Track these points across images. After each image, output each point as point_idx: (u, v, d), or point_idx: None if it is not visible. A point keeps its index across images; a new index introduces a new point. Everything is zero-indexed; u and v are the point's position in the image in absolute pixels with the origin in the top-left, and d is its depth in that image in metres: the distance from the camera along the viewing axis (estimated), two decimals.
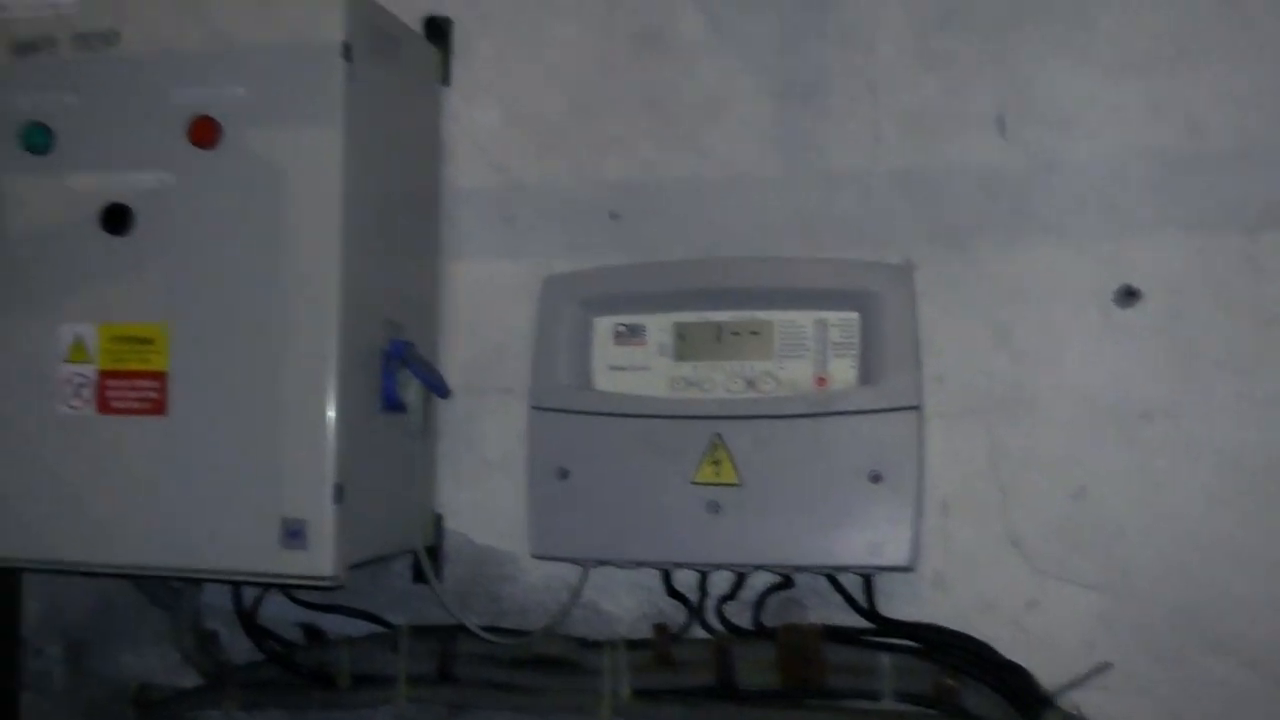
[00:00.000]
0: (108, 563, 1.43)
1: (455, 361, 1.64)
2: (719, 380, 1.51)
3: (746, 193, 1.57)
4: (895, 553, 1.42)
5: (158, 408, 1.40)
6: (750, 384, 1.50)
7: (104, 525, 1.41)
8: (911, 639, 1.48)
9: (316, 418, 1.35)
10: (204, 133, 1.39)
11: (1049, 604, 1.46)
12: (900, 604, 1.50)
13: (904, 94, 1.52)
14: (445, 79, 1.66)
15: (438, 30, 1.65)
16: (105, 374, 1.41)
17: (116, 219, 1.41)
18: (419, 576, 1.63)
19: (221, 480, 1.37)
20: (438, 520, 1.64)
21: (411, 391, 1.50)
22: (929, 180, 1.51)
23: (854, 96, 1.53)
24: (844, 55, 1.54)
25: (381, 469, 1.47)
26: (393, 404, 1.48)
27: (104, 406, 1.41)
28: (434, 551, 1.63)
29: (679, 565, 1.53)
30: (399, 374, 1.48)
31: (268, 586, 1.61)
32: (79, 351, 1.43)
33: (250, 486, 1.36)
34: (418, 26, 1.64)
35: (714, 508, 1.46)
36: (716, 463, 1.47)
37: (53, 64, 1.44)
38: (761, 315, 1.50)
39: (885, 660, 1.47)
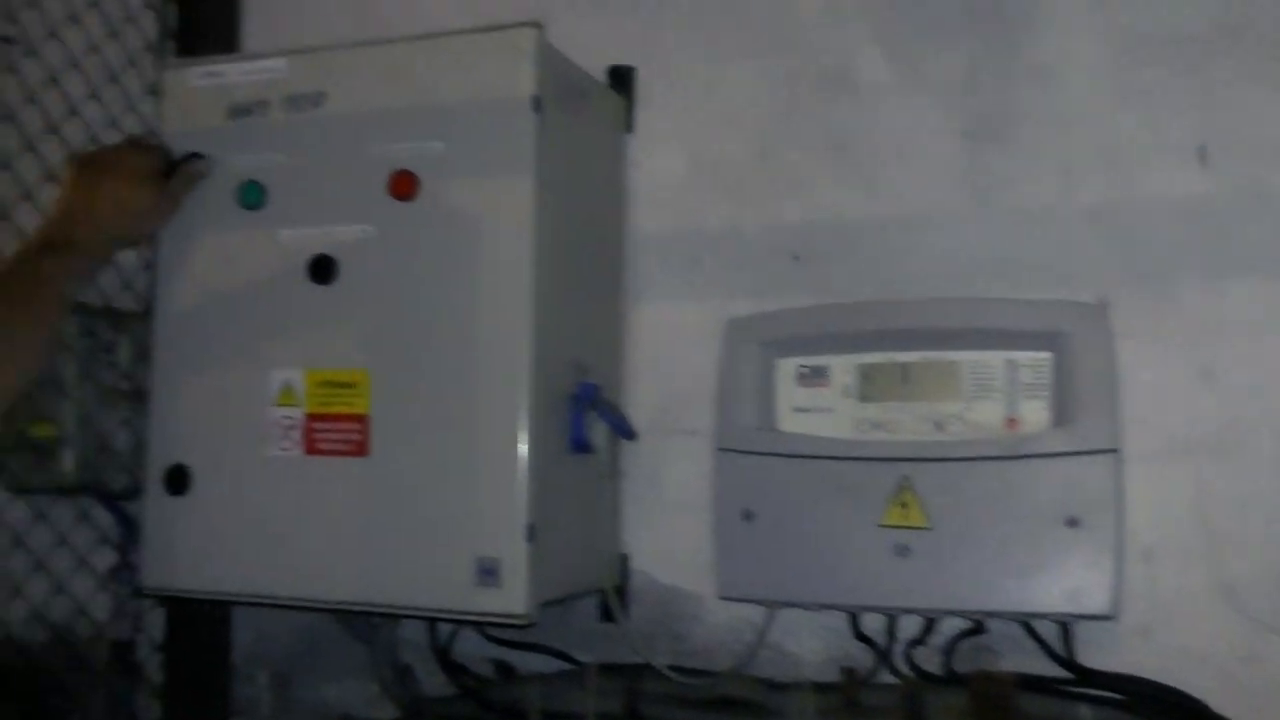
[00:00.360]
0: (313, 598, 1.47)
1: (640, 403, 1.66)
2: (905, 422, 1.49)
3: (932, 232, 1.55)
4: (1095, 600, 1.37)
5: (360, 449, 1.44)
6: (938, 426, 1.48)
7: (309, 562, 1.45)
8: (1114, 690, 1.42)
9: (509, 459, 1.38)
10: (403, 186, 1.44)
11: (1269, 658, 1.38)
12: (1101, 654, 1.44)
13: (1098, 128, 1.48)
14: (629, 126, 1.69)
15: (621, 79, 1.69)
16: (312, 417, 1.47)
17: (323, 269, 1.47)
18: (605, 615, 1.65)
19: (419, 520, 1.41)
20: (623, 560, 1.67)
21: (599, 433, 1.53)
22: (1125, 215, 1.47)
23: (1045, 132, 1.50)
24: (1034, 91, 1.51)
25: (571, 510, 1.50)
26: (581, 446, 1.50)
27: (310, 448, 1.47)
28: (620, 591, 1.64)
29: (866, 609, 1.51)
30: (587, 416, 1.51)
31: (461, 623, 1.66)
32: (288, 395, 1.48)
33: (446, 526, 1.39)
34: (602, 76, 1.68)
35: (902, 551, 1.44)
36: (904, 505, 1.45)
37: (265, 125, 1.51)
38: (949, 356, 1.48)
39: (1085, 712, 1.41)
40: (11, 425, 1.73)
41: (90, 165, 1.43)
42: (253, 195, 1.51)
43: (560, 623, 1.67)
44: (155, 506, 1.53)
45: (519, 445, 1.38)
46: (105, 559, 1.88)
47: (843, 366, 1.53)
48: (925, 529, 1.43)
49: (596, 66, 1.65)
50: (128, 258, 1.82)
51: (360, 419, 1.44)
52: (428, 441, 1.41)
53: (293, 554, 1.46)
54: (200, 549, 1.51)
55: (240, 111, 1.53)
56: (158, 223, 1.51)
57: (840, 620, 1.55)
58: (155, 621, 1.89)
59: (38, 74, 1.71)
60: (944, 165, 1.55)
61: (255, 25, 1.89)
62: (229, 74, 1.54)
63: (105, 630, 1.89)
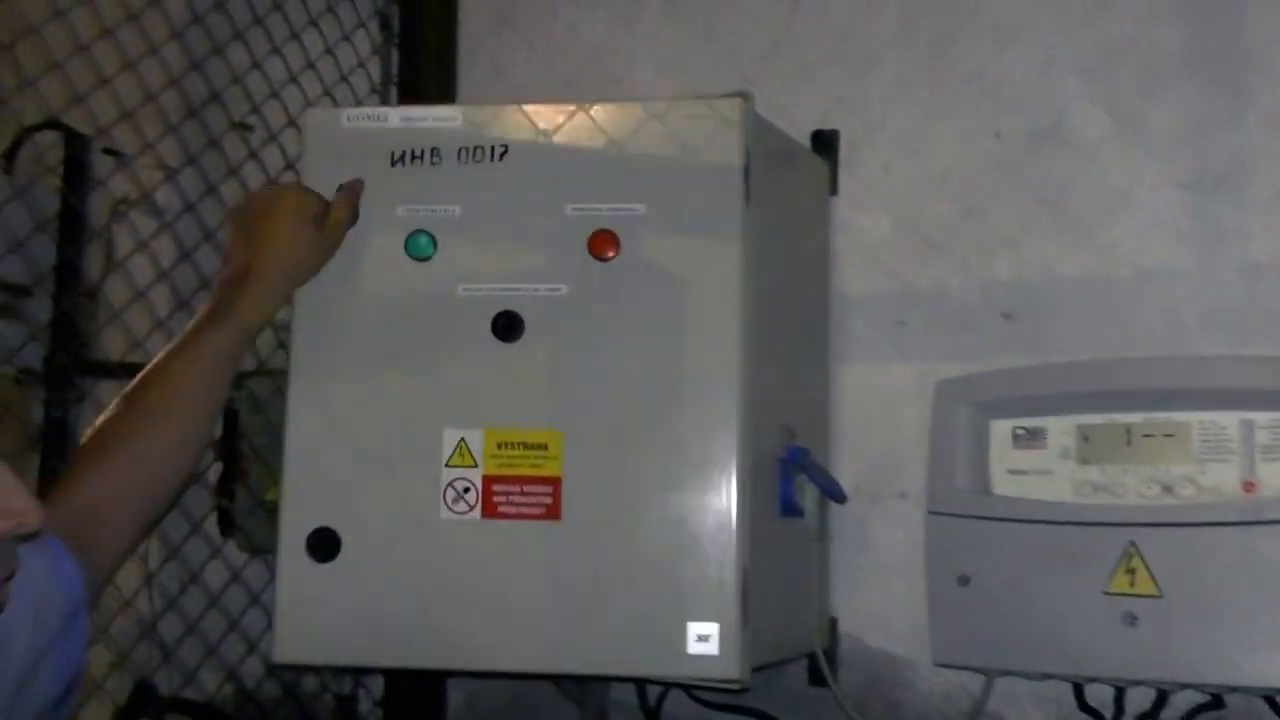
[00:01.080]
0: (517, 669, 1.44)
1: (847, 466, 1.65)
2: (1130, 485, 1.44)
3: (1154, 288, 1.50)
4: None
5: (552, 513, 1.36)
6: (1167, 489, 1.42)
7: (514, 630, 1.37)
8: None
9: (722, 524, 1.36)
10: (604, 246, 1.40)
11: None
12: None
13: None
14: (833, 189, 1.70)
15: (825, 143, 1.70)
16: (491, 479, 1.37)
17: (509, 326, 1.39)
18: (814, 680, 1.63)
19: (626, 585, 1.35)
20: (833, 624, 1.65)
21: (808, 497, 1.52)
22: None
23: (1277, 181, 1.44)
24: (1264, 138, 1.46)
25: (781, 574, 1.49)
26: (790, 509, 1.50)
27: (490, 511, 1.37)
28: (829, 655, 1.62)
29: (1092, 679, 1.45)
30: (796, 480, 1.51)
31: (670, 686, 1.66)
32: (463, 456, 1.39)
33: (656, 591, 1.35)
34: (806, 140, 1.69)
35: (1130, 619, 1.38)
36: (1131, 571, 1.39)
37: (436, 175, 1.41)
38: (1177, 417, 1.42)
39: None
40: (248, 489, 1.84)
41: (246, 224, 1.34)
42: (423, 245, 1.41)
43: (769, 686, 1.66)
44: (292, 573, 1.38)
45: (731, 510, 1.36)
46: None
47: (1061, 428, 1.49)
48: (1155, 597, 1.37)
49: (800, 130, 1.66)
50: None
51: (552, 481, 1.37)
52: (630, 505, 1.36)
53: (491, 622, 1.37)
54: (350, 617, 1.38)
55: (405, 158, 1.43)
56: (321, 263, 1.39)
57: (1063, 690, 1.50)
58: (376, 678, 1.96)
59: (277, 160, 1.83)
60: (1166, 218, 1.51)
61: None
62: (391, 119, 1.45)
63: (329, 685, 1.97)
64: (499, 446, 1.38)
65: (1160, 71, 1.53)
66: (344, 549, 1.38)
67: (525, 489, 1.37)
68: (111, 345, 1.89)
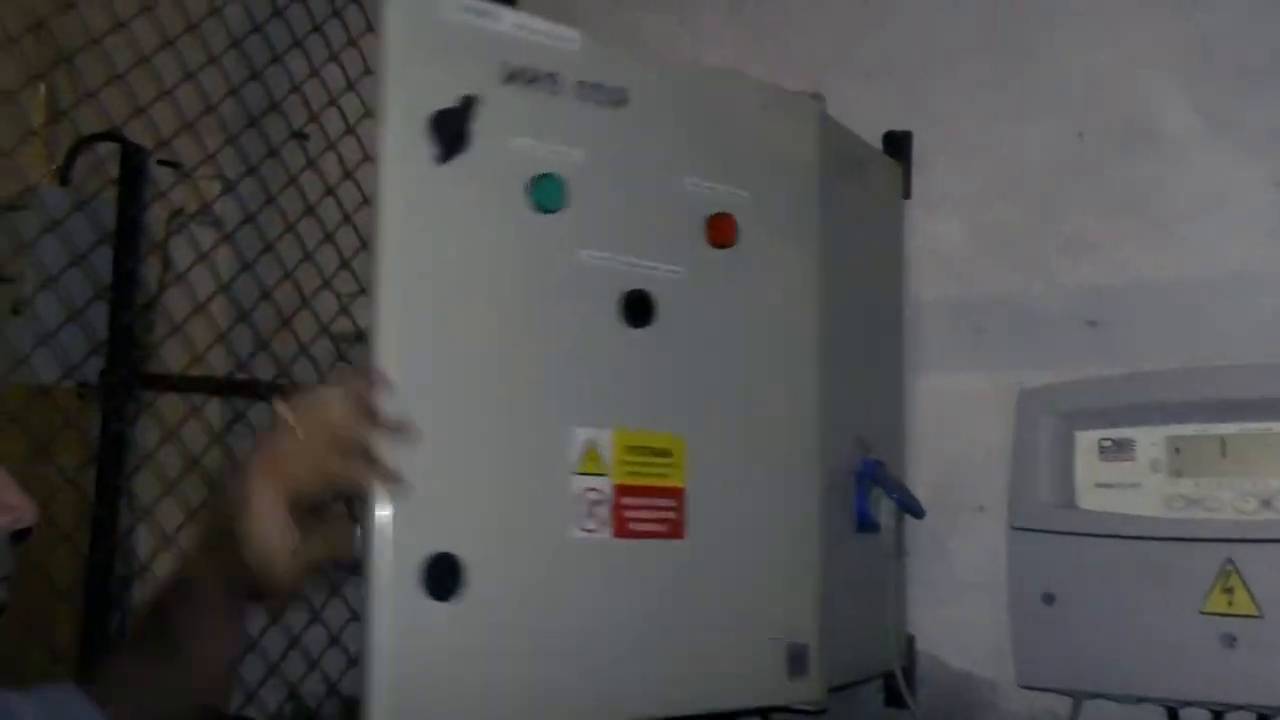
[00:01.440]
0: (642, 716, 1.18)
1: (923, 478, 1.60)
2: (1225, 499, 1.37)
3: (1248, 293, 1.44)
4: None
5: (675, 530, 1.18)
6: (1265, 503, 1.35)
7: (644, 671, 1.16)
8: None
9: (803, 541, 1.32)
10: (725, 232, 1.23)
11: None
12: None
13: None
14: (906, 193, 1.65)
15: (897, 145, 1.66)
16: (621, 489, 1.15)
17: (640, 309, 1.17)
18: (890, 700, 1.58)
19: (737, 609, 1.25)
20: (910, 642, 1.60)
21: (884, 512, 1.47)
22: None
23: None
24: None
25: (858, 591, 1.44)
26: (866, 524, 1.46)
27: (621, 529, 1.14)
28: (906, 675, 1.57)
29: (1188, 703, 1.39)
30: (872, 494, 1.46)
31: (740, 713, 1.61)
32: (593, 461, 1.14)
33: (759, 614, 1.27)
34: (877, 142, 1.65)
35: (1228, 641, 1.32)
36: (1229, 590, 1.33)
37: (557, 106, 1.13)
38: (1275, 427, 1.35)
39: None
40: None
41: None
42: (551, 194, 1.11)
43: (845, 707, 1.60)
44: (401, 614, 1.01)
45: (814, 525, 1.32)
46: None
47: (1150, 439, 1.42)
48: (1255, 617, 1.31)
49: (872, 132, 1.62)
50: None
51: (676, 493, 1.19)
52: (742, 520, 1.24)
53: (592, 664, 1.14)
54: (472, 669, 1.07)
55: (524, 76, 1.12)
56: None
57: (1154, 714, 1.44)
58: None
59: (335, 169, 1.81)
60: (1260, 219, 1.44)
61: None
62: (504, 20, 1.12)
63: None
64: (628, 451, 1.16)
65: (1253, 68, 1.46)
66: (468, 581, 1.04)
67: (652, 502, 1.17)
68: (171, 358, 1.87)
